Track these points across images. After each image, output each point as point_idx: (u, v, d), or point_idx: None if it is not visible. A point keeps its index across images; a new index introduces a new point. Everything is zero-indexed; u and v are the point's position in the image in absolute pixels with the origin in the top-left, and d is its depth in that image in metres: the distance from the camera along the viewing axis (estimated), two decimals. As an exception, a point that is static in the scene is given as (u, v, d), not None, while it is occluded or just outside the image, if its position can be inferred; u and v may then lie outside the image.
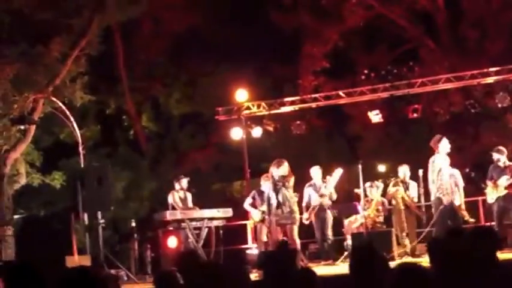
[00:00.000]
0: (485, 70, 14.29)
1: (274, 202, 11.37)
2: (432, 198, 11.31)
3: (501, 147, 12.21)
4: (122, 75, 20.46)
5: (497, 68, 14.18)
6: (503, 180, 11.73)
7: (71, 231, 12.49)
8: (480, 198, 13.39)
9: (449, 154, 12.74)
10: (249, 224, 13.22)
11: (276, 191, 11.33)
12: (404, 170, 12.48)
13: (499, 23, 19.25)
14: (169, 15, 20.13)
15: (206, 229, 12.05)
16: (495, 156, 11.98)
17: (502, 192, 11.76)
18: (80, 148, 12.79)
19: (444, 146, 11.35)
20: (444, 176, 11.09)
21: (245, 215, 13.00)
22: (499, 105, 14.32)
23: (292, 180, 11.40)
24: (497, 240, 5.30)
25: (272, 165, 11.50)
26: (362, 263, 4.46)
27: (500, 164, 11.93)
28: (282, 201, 11.32)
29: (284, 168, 11.33)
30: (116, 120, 20.77)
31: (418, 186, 12.34)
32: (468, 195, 12.85)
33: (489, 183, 12.00)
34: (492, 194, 11.93)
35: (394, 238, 11.84)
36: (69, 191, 12.92)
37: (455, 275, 4.37)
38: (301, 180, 12.42)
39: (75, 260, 11.07)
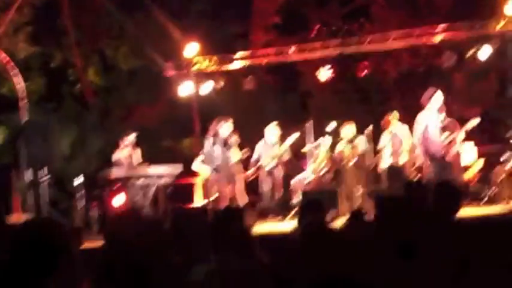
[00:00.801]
0: (433, 28, 14.27)
1: (220, 159, 11.40)
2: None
3: None
4: (68, 27, 19.87)
5: (444, 25, 14.18)
6: (444, 137, 11.83)
7: (11, 188, 12.22)
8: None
9: (399, 112, 12.86)
10: (198, 181, 13.15)
11: (222, 147, 11.40)
12: (350, 128, 12.49)
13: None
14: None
15: (154, 187, 11.96)
16: None
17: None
18: (23, 102, 12.46)
19: (436, 100, 11.19)
20: (431, 133, 11.02)
21: (195, 173, 12.93)
22: (445, 65, 14.37)
23: (235, 138, 11.46)
24: (458, 195, 5.38)
25: (216, 123, 11.56)
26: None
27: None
28: (228, 158, 11.41)
29: (227, 126, 11.37)
30: (61, 74, 20.23)
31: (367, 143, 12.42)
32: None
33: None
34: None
35: (342, 195, 11.93)
36: (11, 147, 12.62)
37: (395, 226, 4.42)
38: (252, 136, 12.38)
39: (17, 219, 10.83)
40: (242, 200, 11.53)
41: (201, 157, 12.39)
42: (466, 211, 10.38)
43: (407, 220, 4.51)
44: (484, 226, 8.57)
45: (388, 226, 4.54)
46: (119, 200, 11.41)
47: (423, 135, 10.96)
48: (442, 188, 5.63)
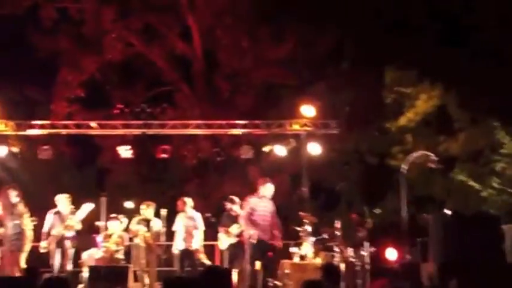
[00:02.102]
0: (233, 122, 14.96)
1: (10, 228, 11.02)
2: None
3: (234, 197, 12.78)
4: None
5: (245, 122, 14.92)
6: (235, 228, 12.30)
7: None
8: (217, 242, 13.85)
9: (192, 197, 13.14)
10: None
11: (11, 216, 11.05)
12: (149, 208, 12.53)
13: (250, 80, 20.33)
14: None
15: None
16: (228, 205, 12.60)
17: (234, 239, 12.31)
18: None
19: (265, 190, 11.45)
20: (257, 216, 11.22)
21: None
22: (243, 157, 14.99)
23: (21, 206, 11.17)
24: (226, 279, 5.62)
25: (4, 191, 11.25)
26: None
27: (232, 212, 12.53)
28: (13, 225, 11.08)
29: (15, 195, 11.13)
30: None
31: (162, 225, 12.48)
32: (208, 239, 13.27)
33: (221, 229, 12.52)
34: (225, 240, 12.45)
35: (131, 274, 11.82)
36: None
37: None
38: (45, 206, 11.99)
39: None
40: (18, 271, 11.06)
41: None
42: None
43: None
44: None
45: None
46: None
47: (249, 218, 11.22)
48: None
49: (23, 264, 11.17)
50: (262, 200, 11.34)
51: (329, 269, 6.82)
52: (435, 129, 18.87)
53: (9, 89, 18.15)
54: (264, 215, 11.25)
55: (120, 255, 12.34)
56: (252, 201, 11.36)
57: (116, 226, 12.46)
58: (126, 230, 12.50)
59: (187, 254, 12.39)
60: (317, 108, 14.71)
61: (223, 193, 17.46)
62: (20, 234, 11.37)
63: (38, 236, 11.78)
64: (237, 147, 15.11)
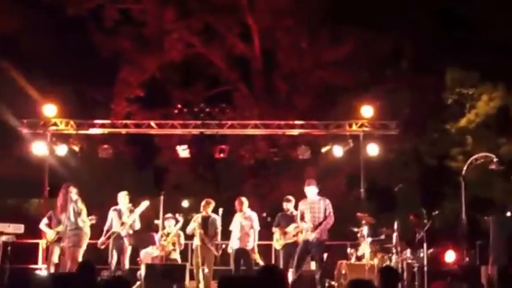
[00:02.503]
0: (291, 122, 14.94)
1: (69, 224, 11.20)
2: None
3: (290, 197, 12.77)
4: None
5: (302, 122, 14.90)
6: (291, 228, 12.28)
7: None
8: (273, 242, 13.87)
9: (248, 197, 13.17)
10: (41, 243, 12.72)
11: (72, 212, 11.23)
12: (207, 206, 12.59)
13: (309, 80, 20.29)
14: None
15: (-6, 244, 11.48)
16: (285, 205, 12.59)
17: (290, 239, 12.28)
18: None
19: (308, 191, 11.47)
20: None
21: (40, 234, 12.49)
22: (300, 157, 14.96)
23: (80, 203, 11.38)
24: (281, 279, 5.61)
25: (66, 189, 11.49)
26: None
27: (288, 212, 12.52)
28: (71, 222, 11.26)
29: (74, 193, 11.34)
30: None
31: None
32: (263, 238, 13.28)
33: (276, 229, 12.51)
34: (280, 240, 12.44)
35: (187, 272, 11.92)
36: None
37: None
38: (104, 204, 12.20)
39: None
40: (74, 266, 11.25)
41: (45, 220, 12.12)
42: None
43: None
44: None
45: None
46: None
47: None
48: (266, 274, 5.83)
49: (80, 259, 11.36)
50: (309, 202, 11.30)
51: (387, 272, 6.70)
52: (496, 131, 18.50)
53: (71, 89, 18.56)
54: (313, 216, 11.18)
55: (176, 255, 12.47)
56: (300, 204, 11.35)
57: (172, 225, 12.57)
58: (183, 229, 12.61)
59: (243, 254, 12.41)
60: (375, 109, 14.59)
61: (280, 193, 17.47)
62: (78, 230, 11.58)
63: (96, 233, 11.98)
64: (294, 147, 15.07)
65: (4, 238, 11.72)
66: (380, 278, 6.69)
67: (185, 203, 12.71)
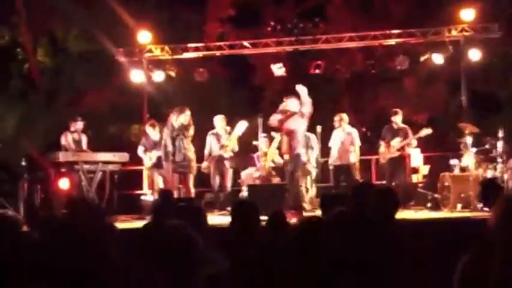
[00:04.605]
0: (387, 32, 14.47)
1: (170, 149, 11.25)
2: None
3: (398, 109, 12.53)
4: (18, 5, 19.39)
5: (399, 31, 14.40)
6: (396, 142, 12.07)
7: None
8: (374, 157, 13.72)
9: (347, 112, 13.01)
10: (144, 171, 13.03)
11: (174, 138, 11.22)
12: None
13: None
14: None
15: (100, 173, 11.79)
16: (393, 118, 12.31)
17: (395, 153, 12.10)
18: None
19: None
20: None
21: (141, 161, 12.79)
22: (398, 68, 14.56)
23: (192, 130, 11.32)
24: (396, 201, 5.45)
25: (173, 113, 11.37)
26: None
27: (394, 125, 12.27)
28: (179, 149, 11.22)
29: (185, 117, 11.22)
30: (9, 52, 19.72)
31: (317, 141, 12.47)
32: (363, 153, 13.15)
33: (382, 143, 12.32)
34: (384, 154, 12.26)
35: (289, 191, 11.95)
36: None
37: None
38: (202, 128, 12.29)
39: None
40: (189, 191, 11.41)
41: (141, 146, 12.33)
42: (411, 214, 10.62)
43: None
44: (426, 229, 8.73)
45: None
46: (64, 184, 11.20)
47: None
48: (381, 193, 5.66)
49: (192, 186, 11.48)
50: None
51: (487, 186, 6.46)
52: None
53: (164, 14, 18.58)
54: None
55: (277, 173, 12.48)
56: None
57: (266, 144, 12.51)
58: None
59: (343, 170, 12.35)
60: (477, 11, 13.89)
61: (378, 106, 17.20)
62: (185, 156, 11.56)
63: (199, 157, 12.09)
64: (392, 58, 14.63)
65: (111, 167, 12.03)
66: (481, 191, 6.45)
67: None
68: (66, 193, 10.86)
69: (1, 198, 11.28)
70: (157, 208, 7.27)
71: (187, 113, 11.27)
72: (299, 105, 10.66)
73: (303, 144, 10.93)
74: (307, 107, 10.59)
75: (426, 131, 12.03)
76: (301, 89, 10.64)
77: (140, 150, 12.39)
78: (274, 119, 10.90)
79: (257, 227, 5.01)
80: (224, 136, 12.25)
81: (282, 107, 11.01)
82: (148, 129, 12.45)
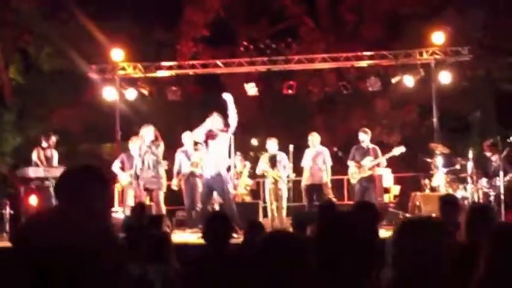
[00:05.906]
0: (359, 54, 14.62)
1: (139, 166, 11.22)
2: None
3: (366, 129, 12.59)
4: (-11, 22, 19.25)
5: (371, 53, 14.55)
6: (368, 161, 12.12)
7: None
8: (346, 177, 13.77)
9: (318, 132, 13.08)
10: (117, 187, 12.92)
11: (144, 154, 11.19)
12: (273, 144, 12.48)
13: (376, 10, 19.72)
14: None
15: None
16: (361, 136, 12.35)
17: (366, 173, 12.14)
18: None
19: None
20: None
21: (113, 178, 12.67)
22: (370, 89, 14.69)
23: (161, 146, 11.31)
24: (376, 214, 5.52)
25: (142, 129, 11.38)
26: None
27: (363, 145, 12.32)
28: (149, 165, 11.20)
29: (150, 132, 11.24)
30: (-20, 70, 19.54)
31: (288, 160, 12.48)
32: (335, 173, 13.19)
33: (352, 163, 12.35)
34: (355, 174, 12.30)
35: (260, 210, 11.99)
36: None
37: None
38: (175, 146, 12.26)
39: None
40: (159, 208, 11.36)
41: (117, 162, 12.22)
42: (382, 233, 10.65)
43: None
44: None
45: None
46: (34, 200, 11.10)
47: None
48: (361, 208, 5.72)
49: (162, 202, 11.43)
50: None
51: (446, 201, 6.46)
52: None
53: (137, 32, 18.57)
54: None
55: (248, 197, 12.51)
56: None
57: (245, 165, 12.56)
58: (254, 167, 12.61)
59: (316, 189, 12.38)
60: (447, 35, 14.11)
61: (350, 127, 17.25)
62: (157, 174, 11.53)
63: (168, 175, 12.04)
64: (364, 79, 14.76)
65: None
66: (441, 206, 6.44)
67: (254, 142, 12.64)
68: (35, 208, 10.74)
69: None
70: (129, 225, 7.23)
71: (151, 128, 11.30)
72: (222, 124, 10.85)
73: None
74: (234, 119, 10.82)
75: (400, 149, 12.07)
76: (229, 98, 10.80)
77: (116, 167, 12.22)
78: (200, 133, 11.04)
79: (228, 240, 4.99)
80: (193, 153, 12.20)
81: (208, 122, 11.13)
82: (131, 144, 12.32)
